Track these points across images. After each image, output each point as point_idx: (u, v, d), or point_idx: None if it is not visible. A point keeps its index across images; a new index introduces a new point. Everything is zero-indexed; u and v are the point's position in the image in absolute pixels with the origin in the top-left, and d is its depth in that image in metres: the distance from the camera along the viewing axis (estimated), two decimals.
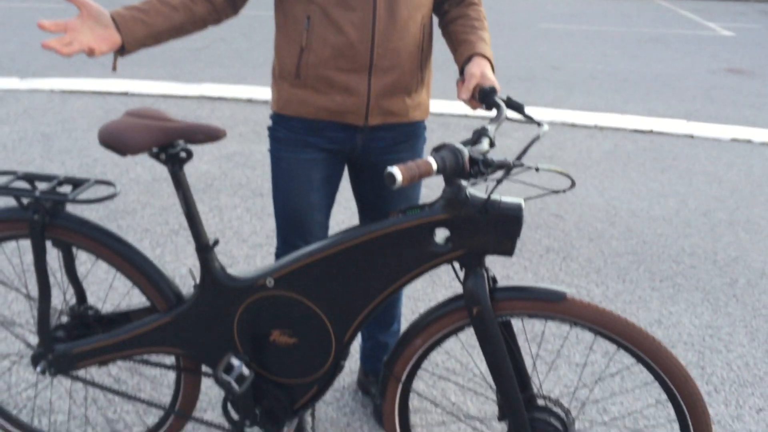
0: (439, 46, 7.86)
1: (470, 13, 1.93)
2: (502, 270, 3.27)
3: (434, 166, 1.36)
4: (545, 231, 3.68)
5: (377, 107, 1.83)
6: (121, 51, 1.66)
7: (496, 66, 7.43)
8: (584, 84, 6.83)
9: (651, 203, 4.07)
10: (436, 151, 1.42)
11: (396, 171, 1.30)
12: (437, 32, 8.43)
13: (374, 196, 2.03)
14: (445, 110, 5.64)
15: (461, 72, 1.81)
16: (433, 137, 5.04)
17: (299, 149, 1.90)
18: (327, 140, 1.89)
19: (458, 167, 1.40)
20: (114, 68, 1.73)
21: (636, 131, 5.33)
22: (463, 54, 1.83)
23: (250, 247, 3.38)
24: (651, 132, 5.32)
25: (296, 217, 1.96)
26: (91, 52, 1.59)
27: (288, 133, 1.90)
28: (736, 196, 4.20)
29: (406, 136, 1.94)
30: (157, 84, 6.05)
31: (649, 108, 6.05)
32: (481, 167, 1.42)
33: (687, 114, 5.89)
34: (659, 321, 2.89)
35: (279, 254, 2.08)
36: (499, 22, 10.23)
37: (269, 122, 1.88)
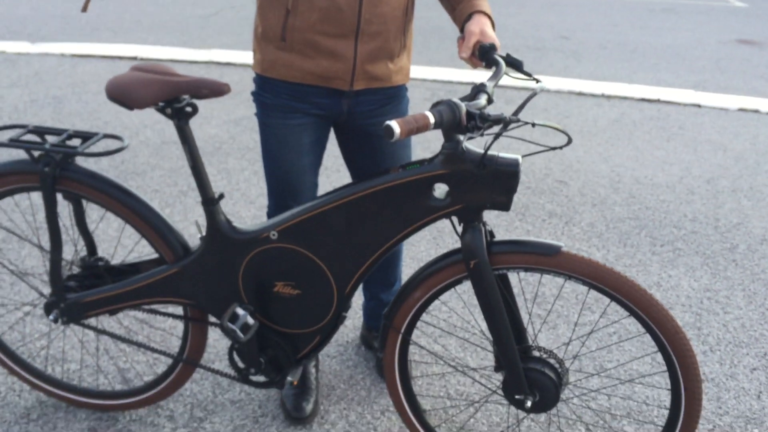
0: (440, 12, 7.83)
1: None
2: (505, 233, 3.31)
3: (431, 119, 1.40)
4: (549, 196, 3.72)
5: (362, 72, 1.84)
6: None
7: (505, 33, 7.40)
8: (593, 53, 6.80)
9: (655, 170, 4.09)
10: (435, 106, 1.45)
11: (394, 124, 1.33)
12: None
13: (365, 160, 2.04)
14: (444, 77, 5.65)
15: (461, 30, 1.83)
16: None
17: (287, 115, 1.90)
18: (313, 106, 1.89)
19: (455, 121, 1.43)
20: (85, 9, 1.73)
21: (643, 100, 5.33)
22: (463, 12, 1.83)
23: (257, 208, 3.43)
24: (658, 101, 5.31)
25: (288, 180, 1.98)
26: None
27: (274, 99, 1.90)
28: (740, 165, 4.22)
29: (389, 99, 1.95)
30: (165, 49, 6.08)
31: (657, 78, 6.04)
32: (477, 122, 1.45)
33: (696, 84, 5.88)
34: (658, 284, 2.94)
35: (270, 214, 2.11)
36: None
37: (252, 86, 1.90)
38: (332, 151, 4.13)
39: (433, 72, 5.78)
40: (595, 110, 5.08)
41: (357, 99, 1.90)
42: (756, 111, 5.17)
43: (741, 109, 5.19)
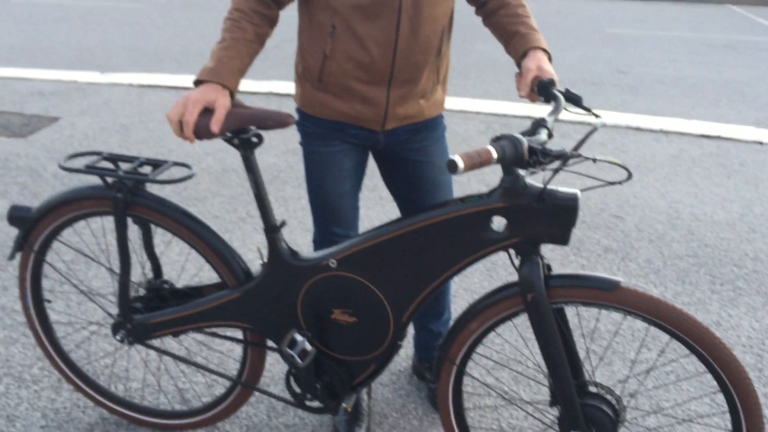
0: (495, 45, 7.88)
1: (511, 1, 1.93)
2: (559, 268, 3.29)
3: (494, 154, 1.41)
4: (605, 231, 3.68)
5: (394, 115, 1.90)
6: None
7: (561, 67, 7.40)
8: (651, 88, 6.74)
9: (714, 207, 4.02)
10: (496, 140, 1.47)
11: (458, 159, 1.36)
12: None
13: (406, 185, 2.08)
14: (499, 110, 5.67)
15: (518, 65, 1.85)
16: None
17: (327, 142, 1.97)
18: (351, 136, 1.97)
19: (517, 156, 1.45)
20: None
21: (702, 136, 5.25)
22: (518, 49, 1.85)
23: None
24: (718, 137, 5.23)
25: (331, 204, 2.05)
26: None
27: (315, 128, 1.97)
28: None
29: (423, 128, 2.00)
30: None
31: (717, 114, 5.94)
32: (539, 157, 1.46)
33: (757, 121, 5.76)
34: (718, 323, 2.87)
35: (316, 241, 2.17)
36: (566, 26, 10.15)
37: (296, 115, 1.98)
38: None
39: (488, 105, 5.81)
40: (653, 145, 5.03)
41: (392, 132, 1.97)
42: None
43: None
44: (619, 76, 7.22)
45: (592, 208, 3.95)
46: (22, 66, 6.64)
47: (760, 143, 5.13)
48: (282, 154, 4.60)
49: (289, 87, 6.12)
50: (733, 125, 5.55)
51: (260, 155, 4.56)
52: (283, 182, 4.17)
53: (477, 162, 1.39)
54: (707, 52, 8.61)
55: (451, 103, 5.82)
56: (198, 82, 1.71)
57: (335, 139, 1.97)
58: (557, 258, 3.39)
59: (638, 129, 5.39)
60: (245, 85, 6.11)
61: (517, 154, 1.45)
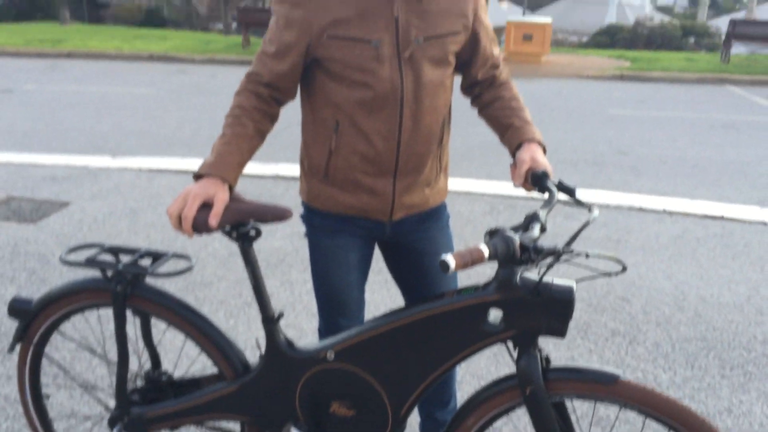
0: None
1: (505, 94, 2.00)
2: (566, 352, 3.26)
3: (486, 253, 1.43)
4: (611, 314, 3.66)
5: (400, 205, 1.93)
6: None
7: (564, 148, 7.50)
8: (653, 169, 6.81)
9: (721, 289, 4.00)
10: (489, 237, 1.49)
11: (450, 258, 1.38)
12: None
13: (412, 276, 2.10)
14: (503, 191, 5.72)
15: (513, 156, 1.90)
16: (500, 218, 5.12)
17: (334, 235, 1.99)
18: (357, 228, 1.99)
19: (509, 254, 1.47)
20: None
21: (706, 217, 5.27)
22: (512, 141, 1.91)
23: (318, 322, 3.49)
24: (722, 218, 5.24)
25: (336, 296, 2.05)
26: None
27: (322, 221, 1.99)
28: None
29: (429, 217, 2.03)
30: None
31: (720, 194, 5.98)
32: (531, 253, 1.49)
33: (760, 201, 5.79)
34: (729, 409, 2.81)
35: (321, 332, 2.18)
36: (568, 108, 10.35)
37: (301, 209, 1.99)
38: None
39: (492, 186, 5.87)
40: (656, 226, 5.05)
41: (398, 222, 1.99)
42: None
43: None
44: (621, 156, 7.31)
45: (598, 291, 3.94)
46: (36, 152, 6.80)
47: (764, 224, 5.14)
48: (287, 237, 4.64)
49: (295, 170, 6.22)
50: (736, 205, 5.57)
51: (266, 238, 4.60)
52: (289, 266, 4.18)
53: (469, 261, 1.41)
54: (708, 132, 8.74)
55: (456, 184, 5.88)
56: (198, 176, 1.75)
57: (342, 232, 1.99)
58: (564, 343, 3.35)
59: (641, 209, 5.42)
60: (252, 168, 6.22)
61: (509, 251, 1.47)
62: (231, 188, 1.76)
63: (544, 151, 1.91)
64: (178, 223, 1.72)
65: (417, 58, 1.79)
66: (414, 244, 2.04)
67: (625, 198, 5.67)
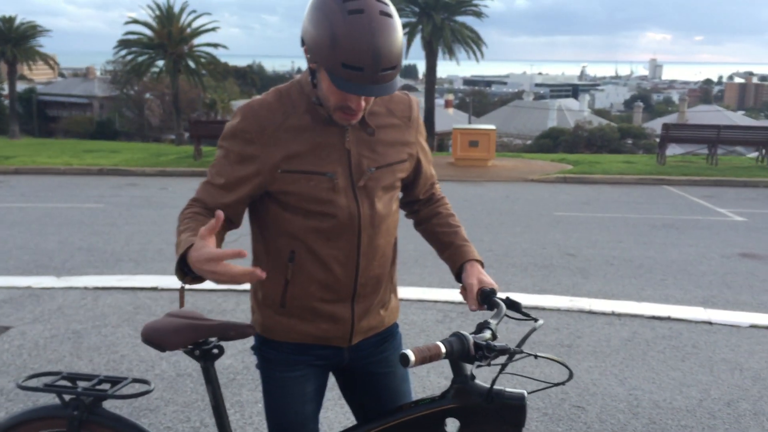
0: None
1: (442, 210, 2.12)
2: None
3: (443, 349, 1.54)
4: (567, 423, 3.63)
5: (359, 329, 1.94)
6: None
7: (513, 252, 7.65)
8: (600, 270, 6.97)
9: (673, 393, 4.03)
10: (446, 338, 1.59)
11: (410, 353, 1.49)
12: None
13: (368, 399, 2.07)
14: (456, 298, 5.75)
15: (457, 278, 2.00)
16: (453, 326, 5.12)
17: (290, 368, 1.95)
18: (315, 357, 1.96)
19: (464, 351, 1.57)
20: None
21: (654, 318, 5.37)
22: (454, 261, 2.02)
23: None
24: (669, 318, 5.35)
25: (291, 429, 1.99)
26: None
27: (277, 354, 1.95)
28: (759, 385, 4.15)
29: (385, 339, 2.04)
30: None
31: (665, 294, 6.13)
32: (485, 352, 1.58)
33: (704, 300, 5.94)
34: None
35: None
36: (515, 211, 10.63)
37: (253, 341, 1.94)
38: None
39: (445, 294, 5.90)
40: (606, 329, 5.11)
41: (356, 347, 1.99)
42: None
43: (753, 326, 5.20)
44: (569, 258, 7.48)
45: (552, 399, 3.92)
46: None
47: (710, 323, 5.26)
48: (239, 353, 4.54)
49: (247, 284, 6.16)
50: (682, 306, 5.71)
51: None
52: (240, 385, 4.08)
53: (427, 356, 1.52)
54: (650, 232, 9.04)
55: (409, 292, 5.90)
56: (182, 262, 1.66)
57: (298, 364, 1.95)
58: None
59: (591, 312, 5.51)
60: (205, 283, 6.13)
61: (464, 348, 1.57)
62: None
63: (482, 265, 2.01)
64: (235, 277, 1.59)
65: (370, 186, 1.87)
66: (371, 367, 2.03)
67: (574, 302, 5.76)
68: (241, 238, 7.50)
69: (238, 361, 4.43)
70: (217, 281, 1.60)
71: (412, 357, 1.49)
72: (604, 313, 5.48)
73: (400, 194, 2.09)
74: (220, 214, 1.57)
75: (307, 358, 1.95)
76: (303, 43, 1.74)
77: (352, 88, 1.65)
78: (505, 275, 6.74)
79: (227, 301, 5.70)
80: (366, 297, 1.92)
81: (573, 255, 7.64)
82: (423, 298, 5.82)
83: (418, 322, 5.21)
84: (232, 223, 1.88)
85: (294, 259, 1.84)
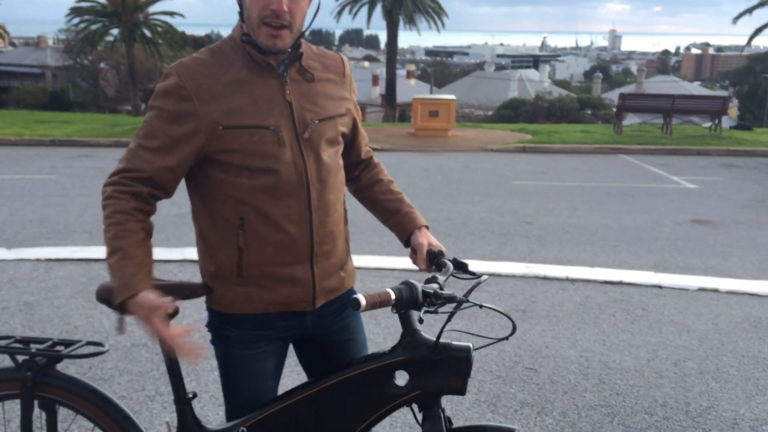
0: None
1: (382, 178, 2.14)
2: None
3: (393, 295, 1.62)
4: (519, 385, 3.71)
5: (321, 290, 1.91)
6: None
7: (471, 221, 7.71)
8: (556, 237, 7.08)
9: (623, 354, 4.14)
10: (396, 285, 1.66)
11: (361, 297, 1.56)
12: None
13: (329, 367, 2.05)
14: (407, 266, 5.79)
15: (406, 244, 2.05)
16: None
17: (251, 345, 1.89)
18: (279, 330, 1.91)
19: (412, 298, 1.64)
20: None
21: (606, 282, 5.49)
22: (404, 228, 2.05)
23: None
24: (620, 283, 5.48)
25: (252, 404, 1.93)
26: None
27: (237, 331, 1.88)
28: (705, 346, 4.28)
29: (345, 304, 2.02)
30: None
31: (618, 260, 6.26)
32: (432, 299, 1.64)
33: (656, 265, 6.09)
34: None
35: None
36: (474, 180, 10.69)
37: (208, 319, 1.89)
38: None
39: (402, 262, 5.94)
40: (560, 294, 5.21)
41: (319, 312, 1.95)
42: (715, 290, 5.33)
43: (701, 289, 5.35)
44: (526, 226, 7.57)
45: (506, 361, 4.00)
46: None
47: (659, 287, 5.39)
48: (194, 323, 4.52)
49: None
50: (633, 271, 5.84)
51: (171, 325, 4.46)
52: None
53: (377, 301, 1.60)
54: (605, 200, 9.19)
55: (367, 261, 5.93)
56: (122, 304, 1.71)
57: (261, 340, 1.89)
58: (474, 416, 3.37)
59: (545, 278, 5.60)
60: (157, 253, 6.07)
61: (413, 296, 1.64)
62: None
63: (428, 229, 2.08)
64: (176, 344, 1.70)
65: (315, 139, 1.84)
66: (333, 335, 2.01)
67: (530, 268, 5.85)
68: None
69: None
70: (152, 334, 1.70)
71: (363, 301, 1.56)
72: (558, 279, 5.58)
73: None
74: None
75: (269, 333, 1.89)
76: None
77: None
78: (464, 243, 6.80)
79: (184, 271, 5.66)
80: (324, 256, 1.89)
81: (530, 223, 7.73)
82: (381, 266, 5.86)
83: (377, 290, 5.23)
84: (166, 190, 1.81)
85: (244, 225, 1.79)
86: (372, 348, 2.05)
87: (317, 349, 2.03)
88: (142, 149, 1.77)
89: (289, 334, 1.95)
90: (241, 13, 1.81)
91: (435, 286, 1.72)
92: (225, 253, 1.83)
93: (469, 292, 1.67)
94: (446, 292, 1.66)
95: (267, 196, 1.78)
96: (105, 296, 1.82)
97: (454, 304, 1.65)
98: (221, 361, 1.95)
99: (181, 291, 1.80)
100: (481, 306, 1.67)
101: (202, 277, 1.92)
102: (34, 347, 1.89)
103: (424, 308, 1.64)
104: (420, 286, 1.66)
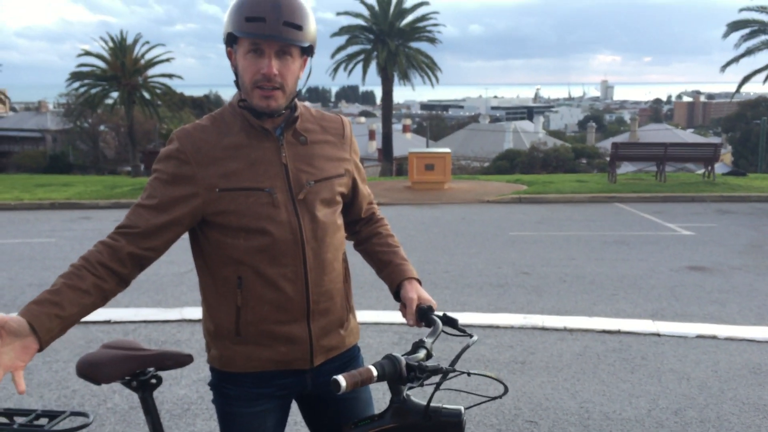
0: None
1: (381, 231, 2.17)
2: None
3: (374, 372, 1.57)
4: None
5: (319, 348, 1.93)
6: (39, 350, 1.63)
7: (469, 273, 7.73)
8: (554, 287, 7.09)
9: (623, 404, 4.12)
10: (378, 361, 1.61)
11: (341, 378, 1.51)
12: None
13: (332, 425, 2.06)
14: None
15: (396, 296, 2.04)
16: (408, 348, 5.15)
17: (251, 403, 1.91)
18: (278, 388, 1.93)
19: (396, 373, 1.60)
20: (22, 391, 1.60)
21: (604, 332, 5.49)
22: (392, 279, 2.05)
23: None
24: (619, 332, 5.47)
25: None
26: (17, 370, 1.56)
27: (237, 389, 1.91)
28: (705, 394, 4.26)
29: (347, 362, 2.04)
30: (137, 311, 6.23)
31: (616, 309, 6.26)
32: (416, 372, 1.61)
33: (653, 313, 6.09)
34: None
35: None
36: (471, 232, 10.74)
37: (210, 377, 1.90)
38: None
39: (400, 316, 5.93)
40: (559, 345, 5.20)
41: (319, 370, 1.97)
42: (713, 337, 5.32)
43: (699, 336, 5.34)
44: (523, 277, 7.59)
45: (506, 414, 3.98)
46: None
47: (658, 335, 5.39)
48: (193, 384, 4.50)
49: (201, 313, 6.11)
50: (631, 320, 5.84)
51: (170, 387, 4.45)
52: (194, 415, 4.04)
53: (359, 380, 1.54)
54: (601, 248, 9.23)
55: (365, 316, 5.92)
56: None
57: (260, 398, 1.92)
58: None
59: (544, 329, 5.60)
60: (155, 314, 6.08)
61: (396, 371, 1.60)
62: (41, 343, 1.61)
63: (420, 284, 2.06)
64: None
65: (310, 200, 1.89)
66: (333, 394, 1.99)
67: (528, 319, 5.85)
68: (194, 269, 7.44)
69: (192, 392, 4.39)
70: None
71: (343, 383, 1.51)
72: (556, 329, 5.58)
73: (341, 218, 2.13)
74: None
75: (268, 390, 1.92)
76: (225, 42, 1.85)
77: (257, 34, 1.75)
78: (461, 295, 6.81)
79: (182, 332, 5.65)
80: (321, 314, 1.92)
81: (527, 273, 7.75)
82: (379, 320, 5.85)
83: (375, 345, 5.24)
84: (155, 250, 1.83)
85: (242, 284, 1.83)
86: (378, 407, 2.05)
87: (320, 407, 2.04)
88: (141, 207, 1.84)
89: (289, 392, 1.96)
90: (236, 81, 1.88)
91: (421, 355, 1.68)
92: (224, 311, 1.88)
93: (457, 359, 1.66)
94: (431, 364, 1.63)
95: (263, 256, 1.83)
96: (84, 371, 1.82)
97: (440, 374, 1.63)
98: (221, 418, 1.97)
99: (163, 361, 1.81)
100: (469, 374, 1.65)
101: (204, 337, 1.96)
102: (17, 421, 1.87)
103: (408, 384, 1.62)
104: (404, 359, 1.62)
